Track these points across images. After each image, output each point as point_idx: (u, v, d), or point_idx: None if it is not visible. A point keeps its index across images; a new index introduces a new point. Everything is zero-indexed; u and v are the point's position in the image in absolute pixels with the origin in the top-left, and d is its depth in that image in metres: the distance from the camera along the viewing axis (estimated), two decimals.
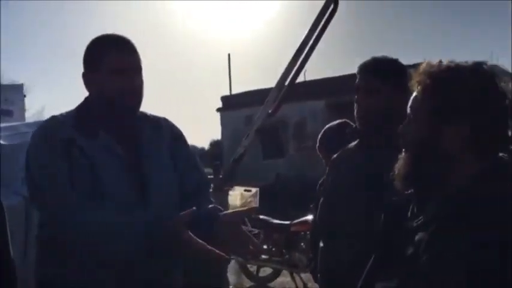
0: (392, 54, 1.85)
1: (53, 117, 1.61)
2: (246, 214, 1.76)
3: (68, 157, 1.47)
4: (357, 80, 1.82)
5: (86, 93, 1.61)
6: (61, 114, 1.60)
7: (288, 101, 2.44)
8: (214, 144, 22.61)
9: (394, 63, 1.80)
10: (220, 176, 2.69)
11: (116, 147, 1.55)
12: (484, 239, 0.97)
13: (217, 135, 20.81)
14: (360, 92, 1.79)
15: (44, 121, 1.64)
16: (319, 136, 2.68)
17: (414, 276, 1.06)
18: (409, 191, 1.21)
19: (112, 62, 1.54)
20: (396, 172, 1.18)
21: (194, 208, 1.43)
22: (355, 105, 1.80)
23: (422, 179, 1.15)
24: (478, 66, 1.10)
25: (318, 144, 2.67)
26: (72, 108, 1.62)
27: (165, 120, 1.73)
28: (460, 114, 1.08)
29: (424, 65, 1.14)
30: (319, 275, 1.95)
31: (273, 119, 3.02)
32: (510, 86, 1.11)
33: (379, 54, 1.84)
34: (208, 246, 1.39)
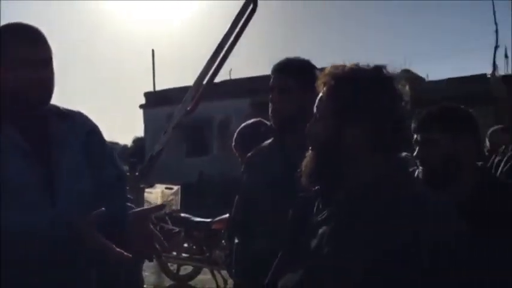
0: (314, 55, 1.90)
1: None
2: (154, 211, 1.74)
3: None
4: (271, 80, 1.86)
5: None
6: None
7: (212, 99, 2.45)
8: (137, 141, 22.03)
9: (306, 63, 1.86)
10: (137, 174, 2.64)
11: (21, 142, 1.46)
12: (384, 233, 1.05)
13: (140, 132, 20.31)
14: (274, 92, 1.83)
15: None
16: (235, 135, 2.71)
17: (318, 268, 1.12)
18: (316, 188, 1.27)
19: (15, 53, 1.45)
20: (303, 169, 1.23)
21: (103, 208, 1.39)
22: (270, 104, 1.84)
23: (326, 176, 1.21)
24: (378, 69, 1.18)
25: (233, 143, 2.70)
26: None
27: (79, 114, 1.66)
28: (360, 113, 1.14)
29: (329, 67, 1.21)
30: (233, 271, 1.99)
31: (197, 117, 3.02)
32: (407, 88, 1.20)
33: (301, 54, 1.88)
34: (110, 245, 1.36)
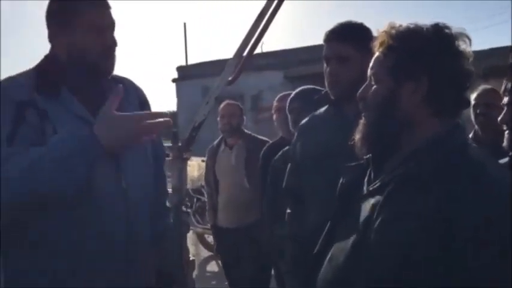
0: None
1: (9, 78, 1.47)
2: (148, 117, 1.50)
3: (20, 121, 1.34)
4: (325, 49, 1.78)
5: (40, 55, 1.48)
6: (19, 74, 1.45)
7: (245, 72, 2.41)
8: (169, 115, 22.25)
9: (362, 27, 1.77)
10: (179, 144, 2.63)
11: (85, 113, 1.43)
12: (443, 199, 0.99)
13: (172, 106, 20.48)
14: (331, 61, 1.75)
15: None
16: (291, 98, 2.65)
17: (368, 239, 1.08)
18: (367, 156, 1.23)
19: (89, 18, 1.41)
20: (357, 137, 1.19)
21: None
22: (326, 75, 1.77)
23: (380, 143, 1.16)
24: (437, 27, 1.12)
25: (288, 106, 2.63)
26: (30, 68, 1.47)
27: (130, 82, 1.63)
28: (418, 71, 1.09)
29: (385, 27, 1.15)
30: (288, 240, 1.97)
31: (229, 91, 2.99)
32: (469, 48, 1.13)
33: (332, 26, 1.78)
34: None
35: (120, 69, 1.53)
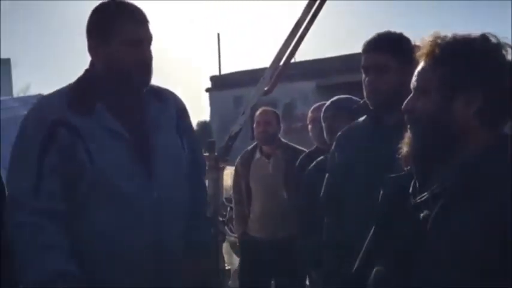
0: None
1: (45, 97, 1.53)
2: None
3: (51, 140, 1.39)
4: (364, 59, 1.76)
5: (74, 71, 1.54)
6: (56, 92, 1.50)
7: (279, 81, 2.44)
8: (202, 125, 22.50)
9: (401, 37, 1.75)
10: (216, 154, 2.66)
11: (119, 128, 1.45)
12: (500, 212, 0.97)
13: (204, 116, 20.72)
14: (370, 72, 1.74)
15: (36, 102, 1.57)
16: (326, 106, 2.62)
17: (418, 256, 1.04)
18: (409, 168, 1.20)
19: (127, 33, 1.44)
20: (404, 149, 1.16)
21: None
22: (365, 85, 1.76)
23: (431, 155, 1.13)
24: (485, 37, 1.09)
25: (323, 114, 2.60)
26: (68, 84, 1.52)
27: (170, 92, 1.65)
28: (472, 81, 1.06)
29: (430, 37, 1.13)
30: (324, 249, 1.95)
31: (263, 100, 3.00)
32: None
33: (368, 36, 1.77)
34: None
35: (156, 79, 1.56)
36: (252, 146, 3.56)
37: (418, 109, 1.13)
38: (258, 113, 3.41)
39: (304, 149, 3.33)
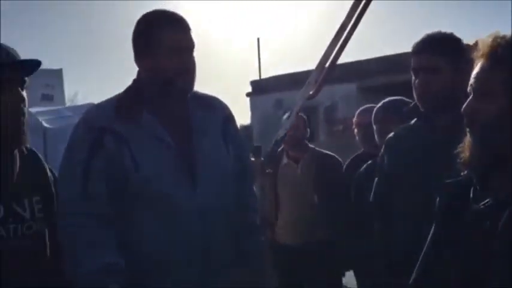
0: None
1: (94, 106, 1.58)
2: None
3: (98, 147, 1.44)
4: (414, 60, 1.74)
5: (120, 79, 1.59)
6: (105, 101, 1.55)
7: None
8: (243, 129, 22.59)
9: (452, 37, 1.72)
10: (262, 159, 2.68)
11: (164, 134, 1.48)
12: None
13: (245, 120, 20.79)
14: (420, 74, 1.71)
15: (86, 111, 1.62)
16: (377, 108, 2.57)
17: (493, 264, 1.01)
18: (466, 172, 1.16)
19: (170, 41, 1.48)
20: (466, 154, 1.13)
21: None
22: (416, 87, 1.73)
23: (495, 159, 1.09)
24: None
25: (374, 117, 2.57)
26: (117, 93, 1.57)
27: (216, 99, 1.67)
28: None
29: (487, 38, 1.10)
30: (375, 255, 1.92)
31: (304, 104, 2.98)
32: None
33: (410, 38, 1.76)
34: None
35: (199, 85, 1.59)
36: (279, 150, 3.50)
37: (480, 112, 1.09)
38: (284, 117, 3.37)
39: (333, 154, 3.29)
